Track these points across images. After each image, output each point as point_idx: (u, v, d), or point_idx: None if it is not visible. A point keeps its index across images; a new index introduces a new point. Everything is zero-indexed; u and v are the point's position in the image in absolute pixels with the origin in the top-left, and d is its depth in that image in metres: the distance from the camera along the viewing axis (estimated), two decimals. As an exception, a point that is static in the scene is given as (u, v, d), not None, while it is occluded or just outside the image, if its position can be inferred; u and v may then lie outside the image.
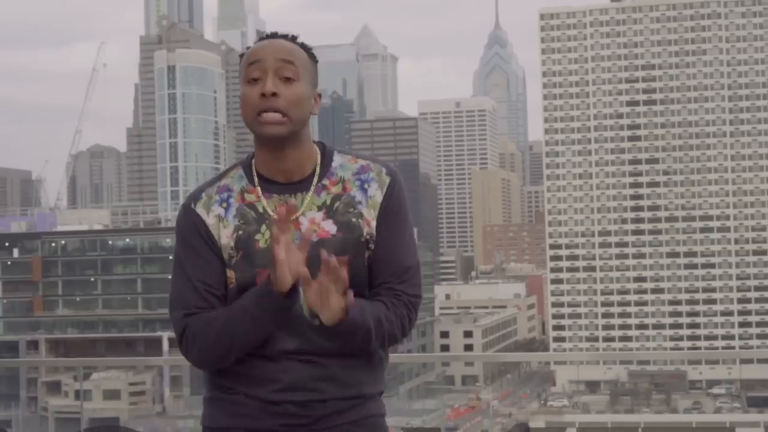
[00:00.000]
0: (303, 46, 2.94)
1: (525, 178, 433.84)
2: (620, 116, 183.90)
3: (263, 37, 2.95)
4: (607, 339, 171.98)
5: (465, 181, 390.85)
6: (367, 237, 2.89)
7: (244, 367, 2.86)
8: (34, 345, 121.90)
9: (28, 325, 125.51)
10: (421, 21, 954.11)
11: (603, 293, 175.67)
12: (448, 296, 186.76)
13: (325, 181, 2.92)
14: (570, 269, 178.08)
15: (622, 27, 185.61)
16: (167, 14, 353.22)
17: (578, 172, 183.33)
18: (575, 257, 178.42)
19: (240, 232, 2.87)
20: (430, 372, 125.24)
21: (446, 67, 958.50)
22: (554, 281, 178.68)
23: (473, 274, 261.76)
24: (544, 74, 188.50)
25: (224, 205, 2.91)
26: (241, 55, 2.93)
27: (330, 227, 2.87)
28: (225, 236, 2.88)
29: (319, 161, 2.94)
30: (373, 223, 2.91)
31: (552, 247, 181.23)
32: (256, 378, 2.86)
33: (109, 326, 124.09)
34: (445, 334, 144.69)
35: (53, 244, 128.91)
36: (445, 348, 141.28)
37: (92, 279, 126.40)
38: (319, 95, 2.95)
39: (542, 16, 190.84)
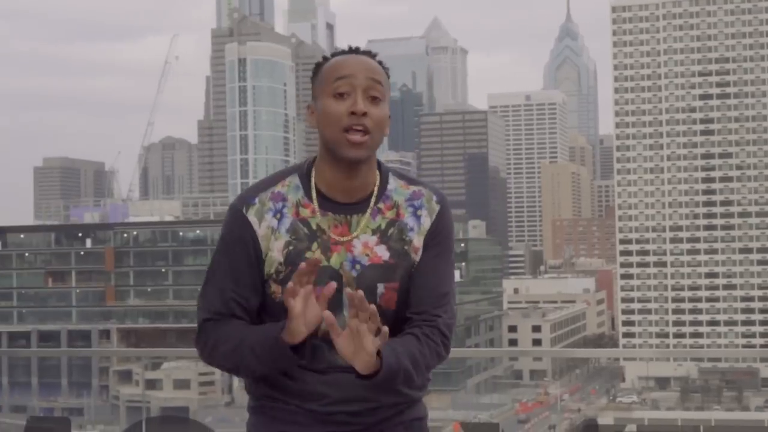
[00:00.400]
0: (381, 64, 2.90)
1: (595, 172, 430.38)
2: (693, 110, 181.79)
3: (345, 50, 2.89)
4: (677, 335, 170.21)
5: (534, 175, 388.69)
6: (415, 265, 2.85)
7: (293, 381, 2.83)
8: (106, 334, 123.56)
9: (100, 314, 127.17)
10: (492, 14, 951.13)
11: (674, 288, 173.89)
12: (516, 290, 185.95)
13: (381, 205, 2.85)
14: (640, 264, 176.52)
15: (696, 20, 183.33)
16: (238, 7, 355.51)
17: (649, 167, 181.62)
18: (646, 252, 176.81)
19: (291, 248, 2.79)
20: (498, 366, 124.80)
21: (516, 60, 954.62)
22: (624, 276, 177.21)
23: (542, 268, 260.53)
24: (616, 67, 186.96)
25: (278, 216, 2.83)
26: (319, 64, 2.87)
27: (383, 253, 2.81)
28: (276, 249, 2.80)
29: (377, 183, 2.87)
30: (420, 251, 2.86)
31: (622, 241, 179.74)
32: (306, 392, 2.82)
33: (179, 317, 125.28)
34: (513, 329, 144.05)
35: (125, 235, 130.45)
36: (513, 342, 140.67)
37: (163, 270, 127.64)
38: (390, 116, 2.87)
39: (614, 9, 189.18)
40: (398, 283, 2.81)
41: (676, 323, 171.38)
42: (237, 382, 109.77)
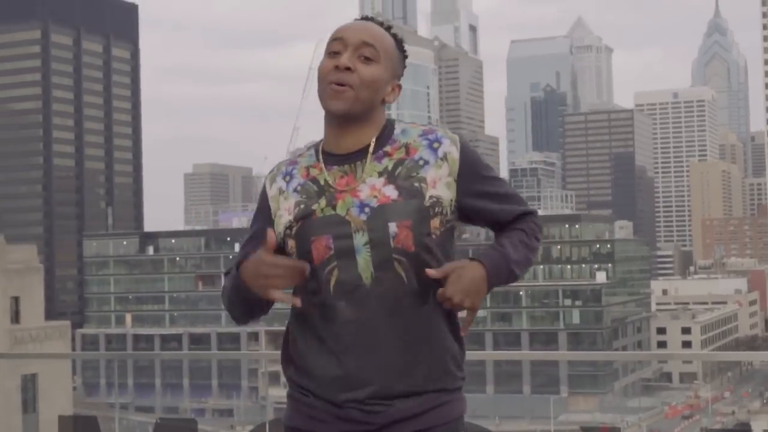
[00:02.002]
0: (394, 36, 2.98)
1: (746, 170, 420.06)
2: None
3: (357, 19, 3.00)
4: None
5: (683, 174, 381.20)
6: (432, 201, 2.83)
7: (305, 359, 2.89)
8: (254, 337, 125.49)
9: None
10: (637, 11, 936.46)
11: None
12: (665, 291, 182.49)
13: (387, 148, 2.89)
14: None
15: None
16: (381, 11, 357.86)
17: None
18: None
19: (301, 206, 2.87)
20: (647, 368, 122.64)
21: (663, 58, 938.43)
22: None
23: (692, 269, 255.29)
24: (767, 62, 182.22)
25: (287, 178, 2.95)
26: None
27: (391, 192, 2.82)
28: (284, 209, 2.92)
29: (380, 131, 2.92)
30: (441, 183, 2.86)
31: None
32: (317, 372, 2.85)
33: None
34: (661, 331, 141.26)
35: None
36: (662, 345, 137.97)
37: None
38: (399, 86, 2.98)
39: (764, 2, 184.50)
40: (411, 221, 2.79)
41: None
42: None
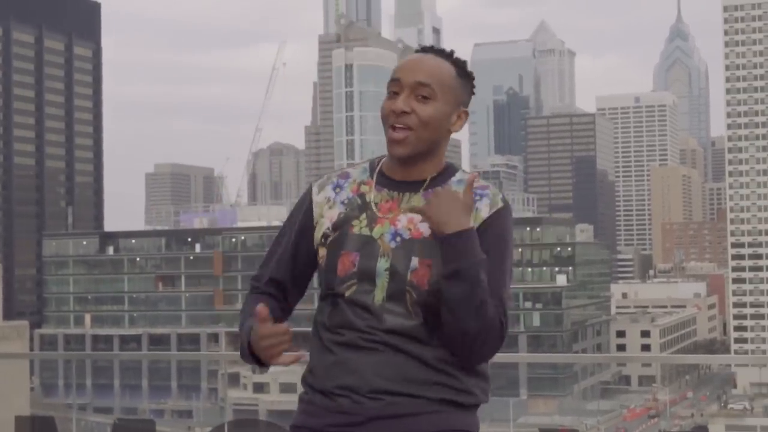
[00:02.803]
0: (455, 62, 3.01)
1: (707, 175, 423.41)
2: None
3: (418, 50, 3.05)
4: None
5: (644, 178, 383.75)
6: None
7: (312, 357, 3.00)
8: (214, 338, 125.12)
9: (209, 318, 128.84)
10: (600, 16, 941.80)
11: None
12: (625, 295, 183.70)
13: (438, 188, 2.90)
14: (753, 268, 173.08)
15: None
16: (345, 13, 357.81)
17: (762, 168, 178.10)
18: (758, 256, 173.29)
19: (341, 216, 2.94)
20: (606, 371, 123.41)
21: (625, 62, 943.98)
22: (736, 281, 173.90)
23: (651, 272, 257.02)
24: (728, 68, 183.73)
25: (337, 189, 3.00)
26: None
27: (425, 230, 2.87)
28: (327, 217, 2.97)
29: (439, 170, 2.98)
30: None
31: (734, 245, 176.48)
32: (316, 363, 2.97)
33: (288, 320, 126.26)
34: (621, 334, 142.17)
35: (233, 240, 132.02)
36: (621, 348, 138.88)
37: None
38: (465, 113, 3.01)
39: (726, 8, 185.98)
40: (432, 261, 2.83)
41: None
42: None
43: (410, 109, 2.89)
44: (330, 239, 2.94)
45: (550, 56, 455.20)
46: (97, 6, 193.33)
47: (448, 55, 3.00)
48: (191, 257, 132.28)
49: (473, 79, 3.04)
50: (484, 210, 2.91)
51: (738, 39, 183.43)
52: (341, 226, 2.93)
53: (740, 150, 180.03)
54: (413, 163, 2.94)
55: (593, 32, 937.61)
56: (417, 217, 2.89)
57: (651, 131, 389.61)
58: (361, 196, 2.97)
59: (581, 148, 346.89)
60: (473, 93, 3.06)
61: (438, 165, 2.98)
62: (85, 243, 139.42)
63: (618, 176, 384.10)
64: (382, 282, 2.85)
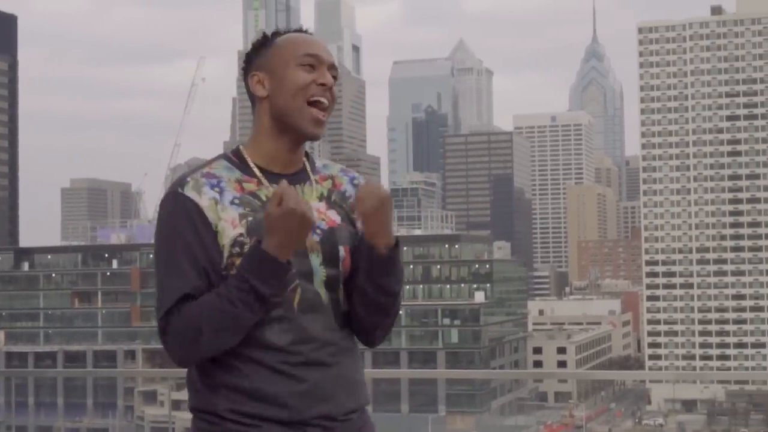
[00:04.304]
0: None
1: (621, 194, 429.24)
2: (720, 131, 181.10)
3: (299, 30, 2.88)
4: (704, 357, 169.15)
5: (560, 196, 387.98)
6: (360, 233, 2.81)
7: (253, 382, 2.72)
8: (131, 355, 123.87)
9: (126, 335, 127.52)
10: (518, 36, 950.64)
11: (700, 311, 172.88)
12: (541, 312, 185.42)
13: (315, 176, 2.86)
14: (666, 286, 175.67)
15: (723, 40, 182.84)
16: (265, 29, 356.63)
17: (676, 188, 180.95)
18: (672, 274, 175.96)
19: (250, 218, 2.71)
20: (523, 388, 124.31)
21: (542, 82, 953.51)
22: (650, 298, 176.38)
23: (567, 289, 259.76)
24: (642, 88, 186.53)
25: (216, 189, 2.73)
26: (275, 34, 2.85)
27: (335, 216, 2.82)
28: (226, 220, 2.69)
29: (305, 156, 2.90)
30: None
31: (648, 263, 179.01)
32: (279, 390, 2.72)
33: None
34: (538, 350, 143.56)
35: (151, 256, 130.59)
36: (538, 364, 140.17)
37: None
38: None
39: (641, 30, 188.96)
40: (349, 248, 2.81)
41: (702, 345, 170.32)
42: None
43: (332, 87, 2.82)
44: (249, 246, 2.67)
45: (469, 75, 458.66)
46: (14, 19, 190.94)
47: None
48: (108, 273, 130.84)
49: None
50: (350, 190, 2.91)
51: (652, 60, 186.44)
52: (257, 229, 2.67)
53: (654, 169, 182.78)
54: (300, 149, 2.85)
55: (511, 52, 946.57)
56: (321, 206, 2.80)
57: (567, 150, 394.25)
58: (253, 194, 2.75)
59: (499, 166, 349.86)
60: None
61: (302, 152, 2.91)
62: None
63: (534, 194, 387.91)
64: (320, 278, 2.74)
